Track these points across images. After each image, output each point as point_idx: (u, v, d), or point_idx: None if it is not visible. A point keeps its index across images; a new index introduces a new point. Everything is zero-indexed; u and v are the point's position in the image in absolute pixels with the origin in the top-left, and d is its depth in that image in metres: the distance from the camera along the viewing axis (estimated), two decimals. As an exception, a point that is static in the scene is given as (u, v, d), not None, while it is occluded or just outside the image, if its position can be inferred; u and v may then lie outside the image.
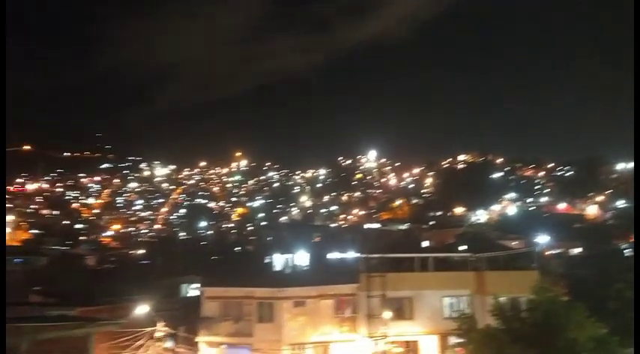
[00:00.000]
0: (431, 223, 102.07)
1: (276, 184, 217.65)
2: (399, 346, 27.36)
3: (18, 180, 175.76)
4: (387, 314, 26.85)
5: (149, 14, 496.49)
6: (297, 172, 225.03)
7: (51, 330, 12.90)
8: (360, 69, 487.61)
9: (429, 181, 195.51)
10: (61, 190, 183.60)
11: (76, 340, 13.61)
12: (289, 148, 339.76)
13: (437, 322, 27.48)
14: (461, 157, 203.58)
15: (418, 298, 28.12)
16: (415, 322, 27.89)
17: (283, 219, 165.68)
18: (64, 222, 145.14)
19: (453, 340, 25.66)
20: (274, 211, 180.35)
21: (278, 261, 31.70)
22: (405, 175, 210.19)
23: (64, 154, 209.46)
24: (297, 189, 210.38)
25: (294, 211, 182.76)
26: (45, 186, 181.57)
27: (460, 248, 35.87)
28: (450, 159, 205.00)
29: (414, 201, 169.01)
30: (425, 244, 47.57)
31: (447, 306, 28.32)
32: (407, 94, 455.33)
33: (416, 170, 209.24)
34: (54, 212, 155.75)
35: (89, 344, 13.70)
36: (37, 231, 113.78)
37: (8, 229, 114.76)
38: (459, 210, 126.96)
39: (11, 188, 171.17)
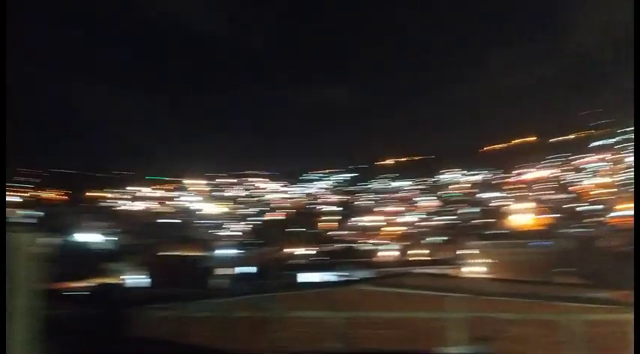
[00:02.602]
0: None
1: None
2: None
3: (518, 170, 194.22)
4: None
5: None
6: None
7: (591, 312, 13.81)
8: None
9: None
10: (559, 174, 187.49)
11: (614, 324, 13.60)
12: None
13: None
14: None
15: None
16: None
17: None
18: (569, 205, 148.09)
19: None
20: None
21: None
22: None
23: (551, 140, 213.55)
24: None
25: None
26: (545, 173, 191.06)
27: None
28: None
29: None
30: None
31: None
32: None
33: None
34: (560, 196, 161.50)
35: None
36: (554, 215, 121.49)
37: (532, 215, 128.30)
38: None
39: (517, 178, 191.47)
